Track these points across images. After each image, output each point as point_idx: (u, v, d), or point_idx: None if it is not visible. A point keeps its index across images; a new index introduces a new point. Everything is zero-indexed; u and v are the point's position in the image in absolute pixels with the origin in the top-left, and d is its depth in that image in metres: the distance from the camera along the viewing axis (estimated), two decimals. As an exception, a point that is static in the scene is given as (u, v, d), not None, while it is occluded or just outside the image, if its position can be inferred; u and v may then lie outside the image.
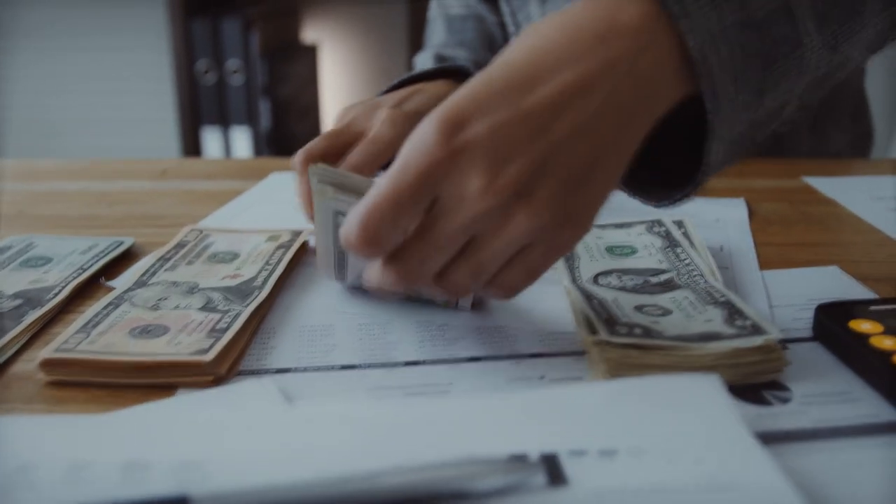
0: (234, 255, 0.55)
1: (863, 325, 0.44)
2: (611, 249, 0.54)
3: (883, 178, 0.75)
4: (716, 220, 0.63)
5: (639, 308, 0.45)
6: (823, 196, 0.70)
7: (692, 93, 0.38)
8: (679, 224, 0.56)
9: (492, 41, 0.92)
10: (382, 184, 0.35)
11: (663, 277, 0.50)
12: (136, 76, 1.92)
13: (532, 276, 0.38)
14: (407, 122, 0.54)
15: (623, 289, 0.48)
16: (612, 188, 0.38)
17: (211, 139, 1.82)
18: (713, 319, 0.43)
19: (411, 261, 0.37)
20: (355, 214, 0.35)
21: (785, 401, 0.39)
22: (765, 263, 0.56)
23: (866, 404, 0.39)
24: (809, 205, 0.67)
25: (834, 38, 0.42)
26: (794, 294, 0.51)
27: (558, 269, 0.51)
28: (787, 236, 0.61)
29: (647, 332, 0.41)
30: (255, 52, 1.77)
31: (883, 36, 0.46)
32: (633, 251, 0.53)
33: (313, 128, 1.72)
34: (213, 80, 1.79)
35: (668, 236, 0.55)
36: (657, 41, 0.36)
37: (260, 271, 0.52)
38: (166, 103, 1.87)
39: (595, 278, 0.49)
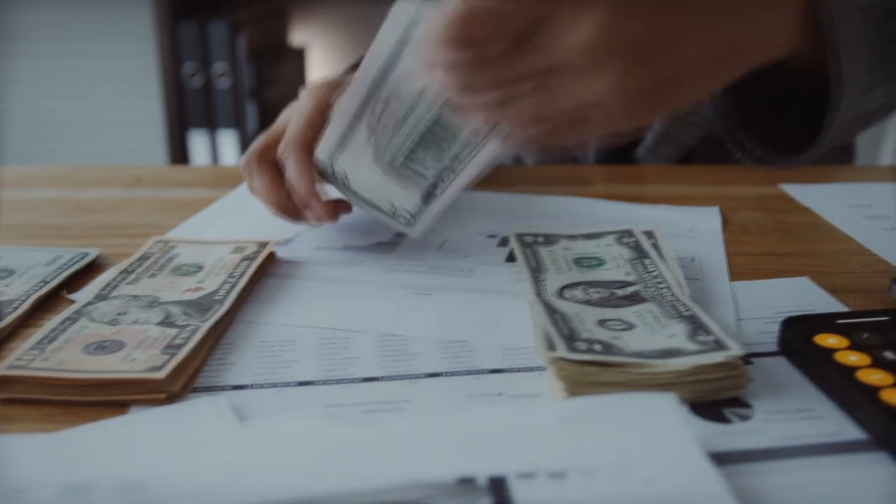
0: (198, 268, 0.54)
1: (828, 340, 0.43)
2: (579, 261, 0.53)
3: (861, 186, 0.74)
4: (689, 229, 0.63)
5: (601, 322, 0.44)
6: (799, 204, 0.69)
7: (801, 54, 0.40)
8: (649, 235, 0.56)
9: None
10: None
11: (629, 290, 0.49)
12: (123, 79, 1.91)
13: (583, 133, 0.38)
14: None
15: (588, 302, 0.47)
16: (686, 102, 0.39)
17: (198, 142, 1.81)
18: (676, 334, 0.43)
19: (484, 76, 0.36)
20: (460, 5, 0.34)
21: (746, 418, 0.39)
22: (736, 274, 0.55)
23: (829, 422, 0.38)
24: (785, 213, 0.67)
25: None
26: (763, 306, 0.50)
27: (524, 282, 0.50)
28: (760, 246, 0.60)
29: (608, 348, 0.41)
30: (241, 55, 1.76)
31: None
32: (600, 263, 0.53)
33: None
34: (200, 84, 1.78)
35: (637, 247, 0.54)
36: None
37: (222, 284, 0.51)
38: (153, 106, 1.87)
39: (560, 291, 0.49)
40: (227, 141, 1.80)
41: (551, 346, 0.41)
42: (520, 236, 0.56)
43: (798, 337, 0.44)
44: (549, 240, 0.56)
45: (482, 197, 0.71)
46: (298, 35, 2.01)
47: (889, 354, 0.42)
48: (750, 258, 0.58)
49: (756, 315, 0.49)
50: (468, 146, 0.50)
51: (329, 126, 0.53)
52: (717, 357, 0.39)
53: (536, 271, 0.51)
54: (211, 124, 1.80)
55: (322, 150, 0.55)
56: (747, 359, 0.44)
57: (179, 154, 1.82)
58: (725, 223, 0.64)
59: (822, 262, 0.57)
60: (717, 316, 0.48)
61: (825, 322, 0.45)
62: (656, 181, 0.76)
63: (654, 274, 0.50)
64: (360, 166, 0.54)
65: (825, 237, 0.62)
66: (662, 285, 0.49)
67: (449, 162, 0.52)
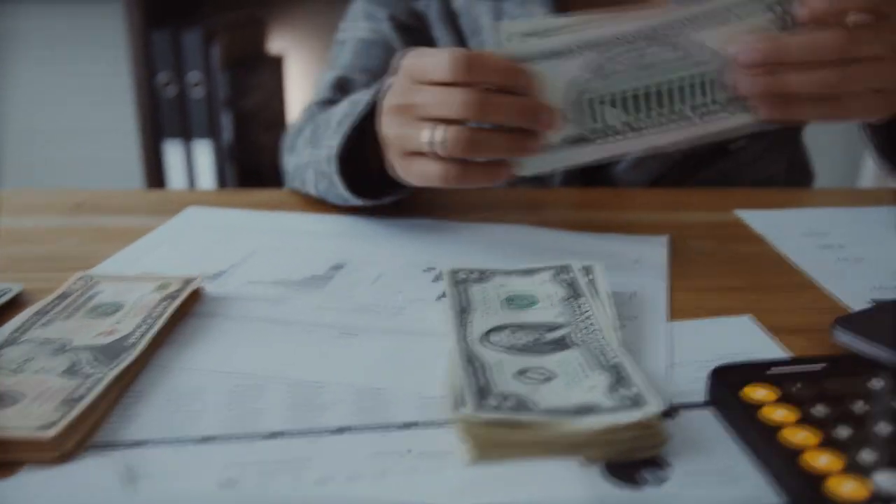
0: (117, 307, 0.52)
1: (757, 393, 0.41)
2: (510, 300, 0.51)
3: (820, 211, 0.72)
4: (635, 261, 0.61)
5: (521, 372, 0.42)
6: (753, 232, 0.67)
7: None
8: (587, 270, 0.54)
9: None
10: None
11: (558, 334, 0.47)
12: (96, 88, 1.89)
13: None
14: None
15: (512, 348, 0.45)
16: None
17: (173, 153, 1.79)
18: (596, 386, 0.41)
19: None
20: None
21: (662, 480, 0.37)
22: (676, 312, 0.53)
23: (749, 484, 0.37)
24: (737, 242, 0.65)
25: None
26: (699, 349, 0.48)
27: (449, 325, 0.48)
28: (705, 280, 0.58)
29: (521, 404, 0.39)
30: (216, 64, 1.74)
31: None
32: (532, 302, 0.51)
33: (279, 139, 1.70)
34: (174, 93, 1.76)
35: (572, 285, 0.52)
36: None
37: (138, 326, 0.49)
38: (126, 116, 1.84)
39: (486, 335, 0.47)
40: (203, 151, 1.78)
41: (460, 403, 0.39)
42: (453, 272, 0.54)
43: (725, 388, 0.42)
44: (484, 276, 0.54)
45: (426, 225, 0.69)
46: (276, 43, 1.98)
47: (819, 410, 0.40)
48: (693, 294, 0.56)
49: (691, 359, 0.47)
50: (662, 125, 0.57)
51: (542, 29, 0.55)
52: (634, 416, 0.38)
53: (464, 312, 0.49)
54: (186, 134, 1.78)
55: (523, 46, 0.55)
56: (673, 412, 0.42)
57: (154, 164, 1.80)
58: (674, 253, 0.62)
59: (768, 298, 0.55)
60: (647, 361, 0.47)
61: (757, 371, 0.43)
62: (612, 206, 0.74)
63: (587, 315, 0.48)
64: (552, 78, 0.56)
65: (774, 270, 0.60)
66: (593, 328, 0.47)
67: (630, 122, 0.57)
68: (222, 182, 1.80)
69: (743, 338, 0.50)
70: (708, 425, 0.41)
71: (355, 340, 0.49)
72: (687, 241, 0.65)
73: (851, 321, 0.48)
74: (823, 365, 0.44)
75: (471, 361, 0.43)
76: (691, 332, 0.50)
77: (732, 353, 0.48)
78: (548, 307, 0.50)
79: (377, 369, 0.46)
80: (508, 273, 0.54)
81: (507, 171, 0.57)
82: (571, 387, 0.41)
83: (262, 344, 0.49)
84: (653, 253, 0.62)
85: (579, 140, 0.57)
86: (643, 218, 0.70)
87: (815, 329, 0.50)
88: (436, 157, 0.55)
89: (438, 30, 0.87)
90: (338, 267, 0.60)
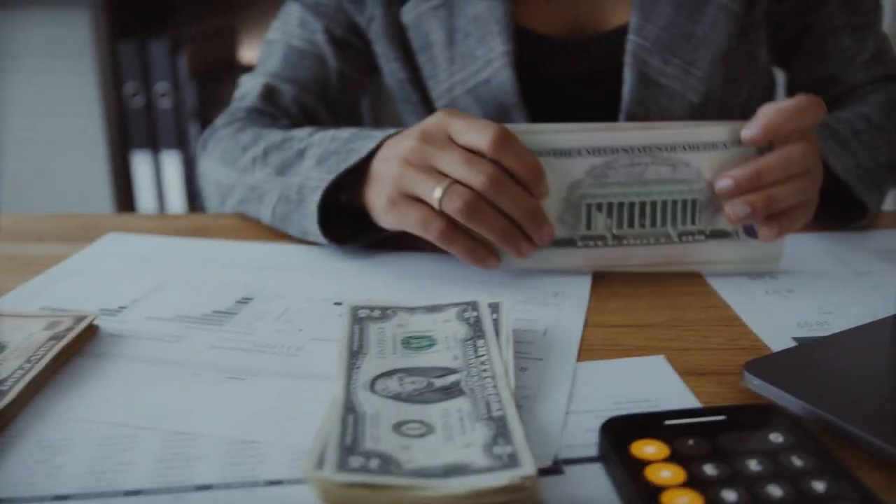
0: (1, 348, 0.50)
1: (646, 449, 0.39)
2: (407, 342, 0.49)
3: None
4: (555, 294, 0.58)
5: (398, 426, 0.40)
6: (685, 261, 0.65)
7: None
8: (494, 308, 0.51)
9: (326, 87, 0.87)
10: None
11: (450, 380, 0.45)
12: (62, 99, 1.87)
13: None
14: None
15: (398, 396, 0.43)
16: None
17: (141, 163, 1.77)
18: (473, 443, 0.38)
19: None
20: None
21: (532, 548, 0.34)
22: (587, 352, 0.51)
23: (624, 552, 0.34)
24: (666, 273, 0.62)
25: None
26: (602, 395, 0.46)
27: (337, 369, 0.46)
28: (624, 315, 0.56)
29: (386, 464, 0.36)
30: (184, 74, 1.72)
31: None
32: (431, 344, 0.48)
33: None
34: (142, 104, 1.74)
35: (475, 324, 0.50)
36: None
37: (15, 371, 0.47)
38: (94, 126, 1.82)
39: (373, 382, 0.44)
40: (171, 162, 1.76)
41: (320, 462, 0.36)
42: (354, 309, 0.52)
43: (614, 443, 0.39)
44: (385, 314, 0.52)
45: (350, 254, 0.66)
46: (246, 52, 1.96)
47: (708, 469, 0.37)
48: (609, 331, 0.53)
49: (591, 406, 0.45)
50: (645, 241, 0.61)
51: (554, 131, 0.58)
52: (503, 478, 0.35)
53: (355, 355, 0.47)
54: (154, 145, 1.76)
55: (534, 139, 0.58)
56: (558, 467, 0.39)
57: (122, 175, 1.78)
58: (599, 284, 0.60)
59: (686, 335, 0.53)
60: (544, 409, 0.44)
61: (650, 424, 0.41)
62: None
63: (483, 359, 0.46)
64: (554, 176, 0.58)
65: (698, 303, 0.57)
66: (487, 374, 0.45)
67: (615, 234, 0.60)
68: (191, 194, 1.78)
69: (651, 381, 0.47)
70: (596, 483, 0.39)
71: (242, 385, 0.47)
72: (612, 273, 0.62)
73: (761, 366, 0.46)
74: (723, 417, 0.41)
75: (349, 412, 0.41)
76: (598, 375, 0.48)
77: (636, 399, 0.45)
78: (445, 349, 0.48)
79: (256, 419, 0.44)
80: (412, 310, 0.52)
81: (492, 260, 0.60)
82: (447, 443, 0.39)
83: (144, 388, 0.47)
84: (575, 285, 0.60)
85: (566, 243, 0.60)
86: None
87: (729, 372, 0.48)
88: (432, 208, 0.57)
89: (382, 45, 0.84)
90: (245, 301, 0.58)
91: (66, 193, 1.92)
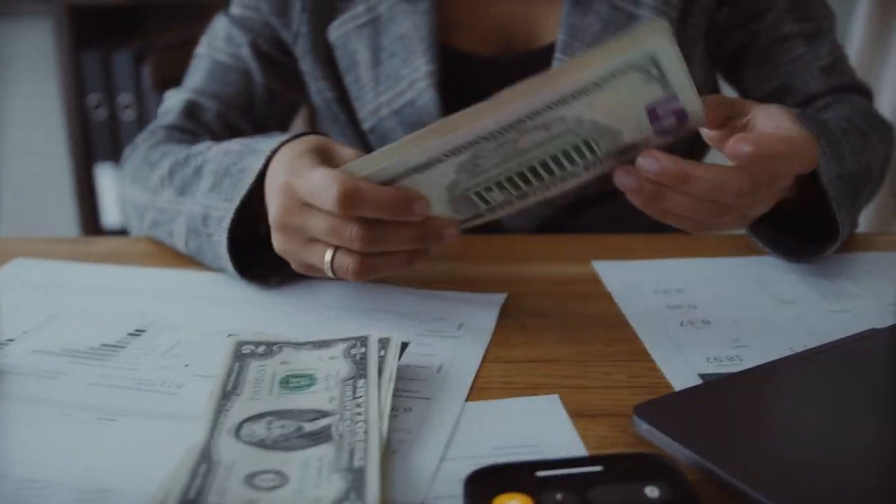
0: None
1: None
2: (286, 381, 0.47)
3: (682, 264, 0.68)
4: (459, 326, 0.56)
5: (251, 477, 0.38)
6: (601, 289, 0.63)
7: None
8: (384, 344, 0.49)
9: (252, 103, 0.84)
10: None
11: (321, 424, 0.42)
12: (25, 110, 1.85)
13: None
14: None
15: (262, 443, 0.41)
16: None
17: (105, 176, 1.75)
18: (322, 499, 0.36)
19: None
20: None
21: None
22: (479, 390, 0.49)
23: None
24: (579, 301, 0.60)
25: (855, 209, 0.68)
26: (485, 438, 0.44)
27: (206, 412, 0.44)
28: (526, 349, 0.54)
29: (224, 523, 0.34)
30: (148, 85, 1.70)
31: None
32: (310, 383, 0.46)
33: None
34: (105, 115, 1.71)
35: (360, 362, 0.48)
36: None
37: None
38: (57, 138, 1.80)
39: (239, 426, 0.42)
40: (135, 174, 1.74)
41: (151, 523, 0.34)
42: (239, 345, 0.50)
43: (475, 497, 0.37)
44: (271, 350, 0.49)
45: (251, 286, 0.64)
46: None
47: (571, 526, 0.35)
48: (507, 367, 0.51)
49: (471, 451, 0.43)
50: (552, 185, 0.53)
51: (402, 151, 0.51)
52: (341, 539, 0.33)
53: (228, 396, 0.45)
54: (118, 158, 1.73)
55: (387, 169, 0.51)
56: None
57: (86, 188, 1.75)
58: (507, 315, 0.58)
59: (587, 371, 0.51)
60: (421, 455, 0.42)
61: (521, 475, 0.38)
62: (463, 257, 0.69)
63: (359, 401, 0.44)
64: (426, 188, 0.52)
65: (608, 335, 0.55)
66: (360, 418, 0.42)
67: (518, 195, 0.54)
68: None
69: (540, 424, 0.45)
70: (454, 540, 0.37)
71: (111, 427, 0.45)
72: (524, 301, 0.60)
73: (650, 409, 0.44)
74: (599, 468, 0.39)
75: (203, 461, 0.39)
76: (486, 416, 0.46)
77: (520, 444, 0.43)
78: (323, 390, 0.46)
79: (116, 465, 0.41)
80: (300, 346, 0.50)
81: (420, 256, 0.56)
82: (297, 497, 0.37)
83: (6, 430, 0.45)
84: (482, 316, 0.57)
85: (474, 217, 0.56)
86: (490, 272, 0.66)
87: (624, 413, 0.46)
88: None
89: (308, 63, 0.82)
90: (137, 333, 0.56)
91: (28, 206, 1.90)
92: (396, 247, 0.53)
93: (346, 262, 0.53)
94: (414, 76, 0.77)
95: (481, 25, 0.81)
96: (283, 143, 0.59)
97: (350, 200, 0.50)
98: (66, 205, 1.82)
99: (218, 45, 0.84)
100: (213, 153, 0.66)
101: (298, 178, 0.53)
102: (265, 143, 0.61)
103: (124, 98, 1.71)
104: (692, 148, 0.88)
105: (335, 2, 0.80)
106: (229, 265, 0.61)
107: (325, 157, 0.56)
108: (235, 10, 0.85)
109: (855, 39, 1.79)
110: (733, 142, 0.50)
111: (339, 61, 0.81)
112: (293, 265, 0.57)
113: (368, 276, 0.54)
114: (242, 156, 0.62)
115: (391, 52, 0.78)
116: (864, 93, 0.85)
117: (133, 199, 0.75)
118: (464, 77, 0.78)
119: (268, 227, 0.57)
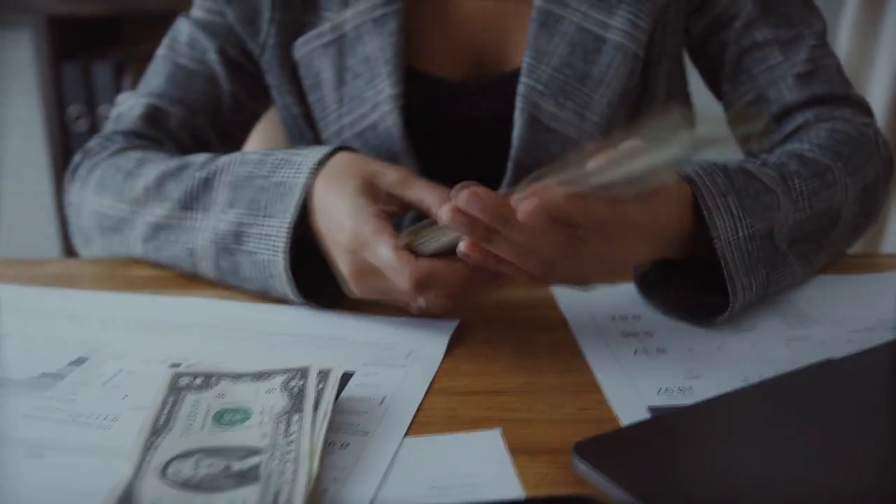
0: None
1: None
2: (220, 416, 0.45)
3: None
4: (407, 355, 0.55)
5: (168, 522, 0.37)
6: (559, 315, 0.61)
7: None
8: (324, 376, 0.48)
9: (218, 111, 0.81)
10: None
11: (249, 463, 0.41)
12: (5, 121, 1.84)
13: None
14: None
15: (186, 483, 0.40)
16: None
17: (86, 187, 1.74)
18: (237, 545, 0.35)
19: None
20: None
21: None
22: (421, 424, 0.48)
23: None
24: (534, 328, 0.59)
25: (805, 257, 0.64)
26: (421, 476, 0.43)
27: (133, 448, 0.42)
28: (473, 379, 0.52)
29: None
30: (128, 97, 1.69)
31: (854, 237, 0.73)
32: (244, 418, 0.45)
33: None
34: (86, 127, 1.70)
35: (298, 395, 0.46)
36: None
37: None
38: (38, 149, 1.79)
39: (166, 466, 0.41)
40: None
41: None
42: (175, 377, 0.49)
43: (399, 543, 0.36)
44: (208, 382, 0.48)
45: (218, 307, 0.63)
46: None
47: (491, 574, 0.34)
48: (452, 399, 0.50)
49: (404, 491, 0.42)
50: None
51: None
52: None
53: (158, 432, 0.44)
54: (98, 168, 1.73)
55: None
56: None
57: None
58: (458, 342, 0.57)
59: (534, 404, 0.50)
60: (351, 494, 0.41)
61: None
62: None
63: (291, 438, 0.43)
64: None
65: (560, 365, 0.54)
66: (291, 456, 0.41)
67: None
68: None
69: (478, 461, 0.44)
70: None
71: (38, 464, 0.44)
72: (477, 327, 0.59)
73: (590, 447, 0.43)
74: (527, 511, 0.38)
75: (124, 501, 0.38)
76: (424, 452, 0.45)
77: (455, 483, 0.42)
78: (257, 425, 0.44)
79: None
80: (238, 378, 0.49)
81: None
82: (214, 543, 0.35)
83: (-69, 467, 0.43)
84: (432, 344, 0.56)
85: None
86: None
87: (566, 450, 0.44)
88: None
89: (275, 77, 0.80)
90: (79, 361, 0.54)
91: (8, 216, 1.89)
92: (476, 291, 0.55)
93: (439, 306, 0.55)
94: (378, 98, 0.75)
95: (450, 49, 0.80)
96: (325, 157, 0.60)
97: (423, 286, 0.52)
98: (46, 215, 1.81)
99: (181, 48, 0.81)
100: (222, 164, 0.64)
101: (365, 250, 0.55)
102: (300, 156, 0.61)
103: (105, 109, 1.70)
104: None
105: (303, 16, 0.79)
106: (288, 286, 0.60)
107: (372, 192, 0.57)
108: (198, 13, 0.81)
109: (843, 40, 1.78)
110: (526, 198, 0.47)
111: (304, 80, 0.79)
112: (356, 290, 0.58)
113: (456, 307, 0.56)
114: (271, 167, 0.62)
115: (356, 72, 0.76)
116: (855, 105, 0.78)
117: (98, 209, 0.71)
118: (428, 101, 0.77)
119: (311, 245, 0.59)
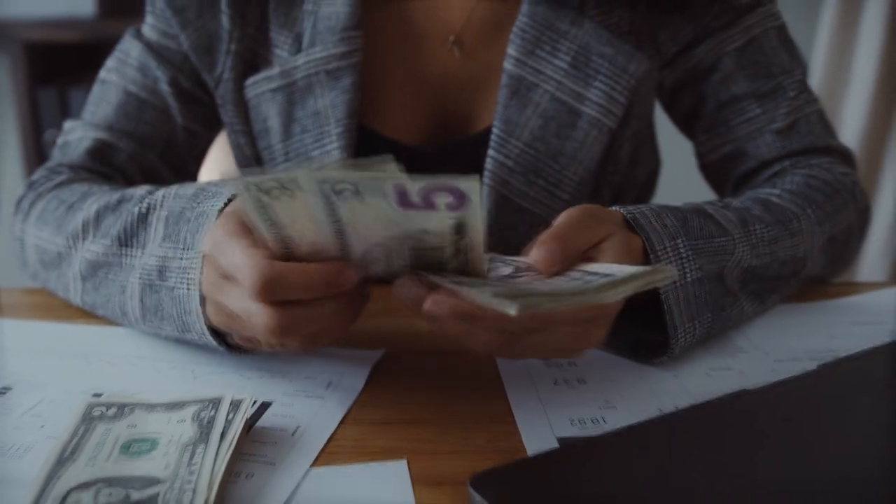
0: None
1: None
2: (127, 446, 0.46)
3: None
4: (328, 384, 0.56)
5: (55, 553, 0.37)
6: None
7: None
8: (235, 406, 0.49)
9: (171, 144, 0.77)
10: None
11: (148, 493, 0.42)
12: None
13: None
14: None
15: (83, 513, 0.40)
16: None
17: (61, 212, 1.75)
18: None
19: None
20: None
21: None
22: (330, 454, 0.48)
23: None
24: (460, 358, 0.59)
25: (759, 297, 0.64)
26: (319, 506, 0.43)
27: (36, 479, 0.43)
28: (389, 410, 0.53)
29: None
30: (104, 122, 1.71)
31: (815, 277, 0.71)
32: (150, 448, 0.46)
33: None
34: (61, 152, 1.72)
35: (207, 425, 0.47)
36: None
37: None
38: (13, 173, 1.81)
39: (66, 495, 0.42)
40: (91, 210, 1.74)
41: None
42: (90, 407, 0.49)
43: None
44: (122, 412, 0.49)
45: (124, 340, 0.63)
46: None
47: None
48: (364, 429, 0.51)
49: (301, 522, 0.42)
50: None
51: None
52: None
53: (63, 462, 0.44)
54: (73, 193, 1.75)
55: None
56: None
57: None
58: (381, 372, 0.58)
59: (445, 435, 0.50)
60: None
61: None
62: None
63: (193, 469, 0.43)
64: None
65: (478, 394, 0.55)
66: (190, 486, 0.42)
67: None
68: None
69: (380, 492, 0.45)
70: None
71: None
72: (402, 357, 0.60)
73: (486, 480, 0.43)
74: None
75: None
76: (327, 483, 0.46)
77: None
78: (161, 456, 0.45)
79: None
80: (152, 408, 0.49)
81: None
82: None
83: None
84: (353, 375, 0.57)
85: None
86: (370, 326, 0.62)
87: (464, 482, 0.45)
88: None
89: (228, 113, 0.77)
90: (3, 391, 0.55)
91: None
92: (319, 322, 0.48)
93: (283, 346, 0.49)
94: (324, 160, 0.72)
95: (409, 109, 0.77)
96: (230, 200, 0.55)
97: (270, 290, 0.45)
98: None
99: (130, 74, 0.77)
100: (160, 198, 0.60)
101: (220, 254, 0.49)
102: (225, 186, 0.57)
103: (81, 134, 1.71)
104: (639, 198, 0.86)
105: (260, 49, 0.75)
106: (199, 321, 0.54)
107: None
108: (150, 34, 0.77)
109: (820, 46, 1.80)
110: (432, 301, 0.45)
111: (253, 123, 0.76)
112: (234, 338, 0.54)
113: (313, 347, 0.50)
114: (200, 199, 0.57)
115: (304, 126, 0.73)
116: (836, 153, 0.77)
117: (37, 243, 0.68)
118: None
119: None
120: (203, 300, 0.53)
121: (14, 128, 1.74)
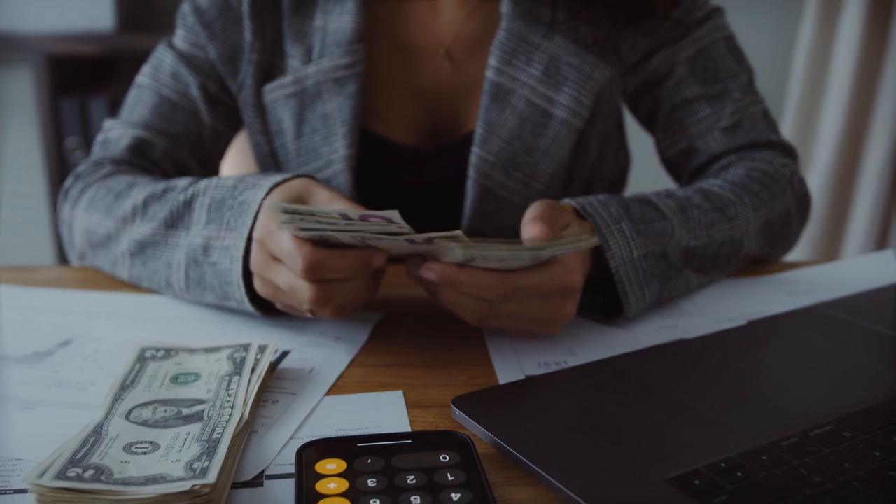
0: None
1: (328, 465, 0.47)
2: (176, 378, 0.57)
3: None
4: (337, 338, 0.66)
5: (129, 446, 0.48)
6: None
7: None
8: (262, 350, 0.59)
9: (200, 142, 0.87)
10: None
11: (195, 409, 0.53)
12: (5, 153, 1.96)
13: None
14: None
15: (145, 423, 0.51)
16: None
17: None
18: (181, 460, 0.46)
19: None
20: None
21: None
22: (339, 387, 0.59)
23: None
24: (447, 319, 0.69)
25: (703, 271, 0.75)
26: (333, 423, 0.54)
27: (105, 400, 0.54)
28: (388, 357, 0.64)
29: (99, 474, 0.44)
30: (121, 130, 1.81)
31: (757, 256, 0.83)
32: (195, 379, 0.57)
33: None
34: (82, 158, 1.83)
35: (240, 363, 0.58)
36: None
37: None
38: (36, 179, 1.91)
39: (130, 411, 0.52)
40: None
41: (42, 471, 0.44)
42: (143, 350, 0.60)
43: (303, 461, 0.47)
44: (169, 354, 0.60)
45: (168, 305, 0.74)
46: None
47: (369, 482, 0.45)
48: (367, 370, 0.61)
49: (318, 433, 0.53)
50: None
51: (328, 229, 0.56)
52: (185, 486, 0.43)
53: (126, 388, 0.55)
54: (92, 196, 1.85)
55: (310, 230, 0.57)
56: (261, 481, 0.47)
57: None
58: (378, 331, 0.68)
59: (435, 374, 0.61)
60: (274, 434, 0.52)
61: (342, 447, 0.48)
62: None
63: (230, 393, 0.54)
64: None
65: (461, 346, 0.65)
66: (228, 405, 0.53)
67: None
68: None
69: (380, 413, 0.55)
70: (284, 494, 0.47)
71: (29, 414, 0.55)
72: (399, 319, 0.70)
73: (465, 401, 0.54)
74: (408, 441, 0.49)
75: (94, 434, 0.49)
76: (338, 407, 0.56)
77: (359, 428, 0.54)
78: (204, 384, 0.56)
79: (28, 441, 0.51)
80: (193, 351, 0.60)
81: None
82: (162, 459, 0.47)
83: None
84: (357, 331, 0.68)
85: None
86: (380, 293, 0.75)
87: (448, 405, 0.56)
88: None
89: (249, 115, 0.87)
90: (65, 343, 0.66)
91: (10, 245, 2.00)
92: (350, 294, 0.60)
93: (322, 311, 0.61)
94: (332, 156, 0.82)
95: (405, 114, 0.87)
96: (284, 179, 0.65)
97: (314, 272, 0.58)
98: (44, 242, 1.92)
99: (164, 79, 0.86)
100: (202, 188, 0.70)
101: (269, 240, 0.60)
102: (265, 179, 0.66)
103: (99, 141, 1.82)
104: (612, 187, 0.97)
105: (276, 59, 0.85)
106: (240, 290, 0.65)
107: (298, 202, 0.62)
108: (181, 45, 0.86)
109: (803, 38, 1.87)
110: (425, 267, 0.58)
111: (269, 125, 0.87)
112: (277, 305, 0.65)
113: (343, 315, 0.62)
114: (240, 190, 0.67)
115: (314, 127, 0.83)
116: (777, 147, 0.87)
117: (86, 227, 0.78)
118: (381, 164, 0.85)
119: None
120: (247, 274, 0.65)
121: (37, 135, 1.85)
